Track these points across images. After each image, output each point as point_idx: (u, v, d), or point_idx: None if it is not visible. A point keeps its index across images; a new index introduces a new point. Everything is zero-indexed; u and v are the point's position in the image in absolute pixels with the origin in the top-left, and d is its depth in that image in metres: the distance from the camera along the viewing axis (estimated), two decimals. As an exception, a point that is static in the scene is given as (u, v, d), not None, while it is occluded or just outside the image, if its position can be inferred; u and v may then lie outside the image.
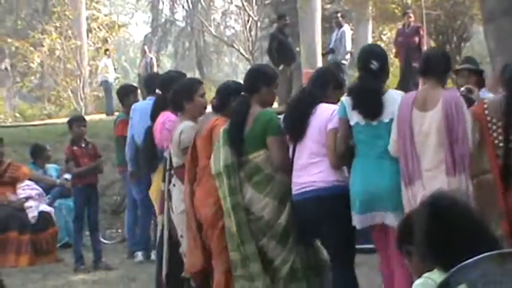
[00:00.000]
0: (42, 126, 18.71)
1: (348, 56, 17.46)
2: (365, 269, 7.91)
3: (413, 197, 5.61)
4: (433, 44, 22.11)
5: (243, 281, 5.94)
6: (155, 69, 23.84)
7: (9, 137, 14.11)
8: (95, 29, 29.87)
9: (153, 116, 7.19)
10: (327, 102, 5.98)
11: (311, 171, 5.80)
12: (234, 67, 53.17)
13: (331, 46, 17.39)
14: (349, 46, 17.39)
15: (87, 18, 29.14)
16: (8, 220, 10.35)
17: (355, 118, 5.86)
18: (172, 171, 6.61)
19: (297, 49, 19.13)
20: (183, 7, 41.48)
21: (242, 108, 5.99)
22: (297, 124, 5.88)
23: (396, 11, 21.80)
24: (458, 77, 8.00)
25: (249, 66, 33.51)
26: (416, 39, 16.62)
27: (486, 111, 5.86)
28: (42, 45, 26.97)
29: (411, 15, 17.24)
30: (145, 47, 27.79)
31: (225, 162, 5.92)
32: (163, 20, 43.83)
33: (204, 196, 6.17)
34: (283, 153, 5.91)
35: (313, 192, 5.77)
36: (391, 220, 5.74)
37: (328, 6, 26.30)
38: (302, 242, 5.95)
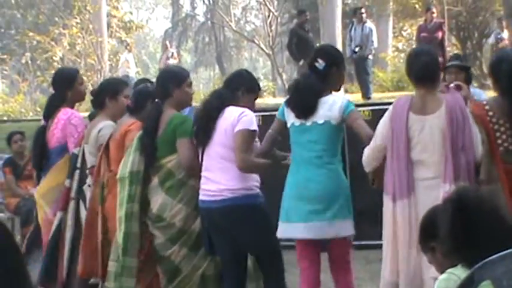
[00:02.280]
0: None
1: (373, 52, 17.45)
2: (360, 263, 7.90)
3: (402, 212, 5.22)
4: (454, 40, 22.06)
5: None
6: (176, 59, 23.92)
7: (30, 131, 14.17)
8: (113, 27, 29.94)
9: (49, 114, 6.84)
10: (238, 106, 5.67)
11: (218, 177, 5.51)
12: (254, 62, 53.23)
13: (357, 42, 17.27)
14: (376, 42, 17.37)
15: (107, 15, 29.22)
16: (29, 214, 10.37)
17: (290, 119, 5.72)
18: (87, 171, 6.45)
19: (317, 44, 19.10)
20: (203, 2, 41.57)
21: (154, 114, 5.80)
22: (203, 127, 5.61)
23: (417, 6, 21.73)
24: (446, 74, 7.97)
25: (269, 62, 33.61)
26: (439, 35, 16.58)
27: (490, 113, 5.36)
28: (63, 40, 27.06)
29: (434, 10, 17.19)
30: (167, 42, 27.84)
31: (131, 169, 5.78)
32: (183, 15, 43.95)
33: (114, 208, 5.95)
34: (191, 155, 5.66)
35: (219, 203, 5.48)
36: (337, 230, 5.59)
37: (349, 1, 26.29)
38: (209, 251, 5.70)
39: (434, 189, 5.16)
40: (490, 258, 3.15)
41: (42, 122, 6.92)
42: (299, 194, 5.62)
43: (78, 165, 6.51)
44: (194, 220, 5.68)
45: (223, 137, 5.52)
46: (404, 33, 28.61)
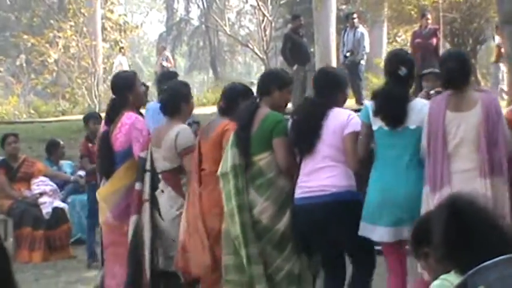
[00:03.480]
0: (56, 123, 18.80)
1: (365, 57, 17.47)
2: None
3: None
4: (448, 46, 22.06)
5: (235, 286, 5.87)
6: (172, 66, 23.88)
7: (24, 133, 14.17)
8: (107, 30, 29.94)
9: (110, 119, 6.84)
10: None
11: (322, 175, 5.69)
12: (248, 67, 53.23)
13: (349, 47, 17.32)
14: (367, 47, 17.39)
15: (101, 18, 29.21)
16: (22, 216, 10.38)
17: (377, 123, 5.76)
18: (159, 176, 6.49)
19: (311, 50, 19.11)
20: (198, 6, 41.58)
21: (249, 109, 5.93)
22: (312, 128, 5.75)
23: (412, 12, 21.73)
24: (424, 81, 8.03)
25: (263, 66, 33.57)
26: (434, 41, 16.59)
27: None
28: (57, 43, 27.02)
29: (429, 16, 17.20)
30: (163, 45, 27.83)
31: (232, 163, 5.84)
32: (177, 19, 43.93)
33: (211, 204, 6.08)
34: (289, 155, 5.82)
35: (322, 198, 5.65)
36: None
37: (343, 7, 26.28)
38: (301, 249, 5.82)
39: (470, 182, 5.49)
40: (484, 264, 3.15)
41: (104, 127, 6.93)
42: (386, 196, 5.66)
43: (148, 167, 6.55)
44: (280, 219, 5.77)
45: (331, 137, 5.71)
46: (398, 39, 28.57)
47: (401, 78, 5.81)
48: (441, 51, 16.16)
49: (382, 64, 26.08)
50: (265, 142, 5.82)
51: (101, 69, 27.44)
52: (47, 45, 27.18)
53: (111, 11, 31.71)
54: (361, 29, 17.62)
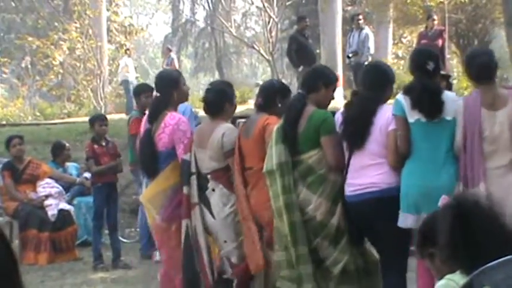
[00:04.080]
0: (62, 125, 18.80)
1: (370, 58, 17.45)
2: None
3: None
4: (453, 47, 22.08)
5: (288, 282, 5.94)
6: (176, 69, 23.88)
7: (29, 135, 14.19)
8: (112, 31, 29.98)
9: (153, 118, 6.84)
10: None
11: (370, 172, 5.80)
12: (253, 68, 53.25)
13: (353, 48, 17.33)
14: (372, 49, 17.38)
15: (107, 20, 29.23)
16: (28, 218, 10.41)
17: (415, 115, 5.86)
18: (208, 176, 6.48)
19: (317, 51, 19.11)
20: (203, 7, 41.56)
21: (297, 106, 6.00)
22: (362, 126, 5.85)
23: (418, 13, 21.74)
24: None
25: (268, 68, 33.59)
26: (440, 42, 16.58)
27: None
28: (62, 44, 27.05)
29: (435, 18, 17.21)
30: (169, 46, 27.80)
31: (278, 160, 5.89)
32: (183, 20, 43.94)
33: (265, 199, 6.07)
34: (338, 152, 5.91)
35: (373, 194, 5.77)
36: None
37: (349, 8, 26.29)
38: (356, 243, 5.95)
39: (505, 177, 5.76)
40: (489, 264, 3.15)
41: (147, 125, 6.90)
42: (427, 187, 5.74)
43: (193, 169, 6.54)
44: (333, 214, 5.85)
45: (378, 134, 5.80)
46: (404, 40, 28.62)
47: (430, 73, 5.96)
48: (446, 51, 16.17)
49: (387, 65, 25.97)
50: (313, 139, 5.90)
51: (107, 71, 27.44)
52: (52, 47, 27.19)
53: (116, 13, 31.73)
54: (366, 30, 17.60)
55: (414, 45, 19.49)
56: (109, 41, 29.47)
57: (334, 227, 5.84)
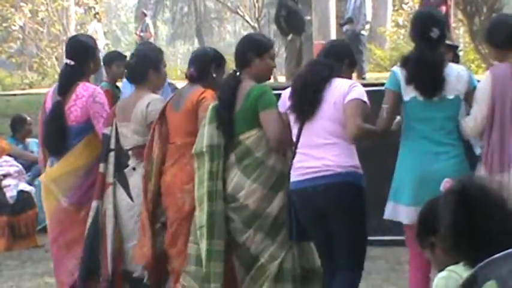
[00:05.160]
0: (23, 96, 18.75)
1: (367, 27, 17.43)
2: (381, 263, 7.96)
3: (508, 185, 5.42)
4: (460, 15, 22.06)
5: (191, 280, 5.83)
6: (152, 37, 23.83)
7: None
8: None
9: (64, 89, 6.61)
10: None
11: (323, 153, 5.50)
12: (237, 36, 53.07)
13: (348, 15, 17.33)
14: (369, 15, 17.36)
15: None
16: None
17: (410, 93, 5.69)
18: (129, 152, 6.39)
19: (308, 18, 19.06)
20: (182, -33, 41.41)
21: (231, 84, 5.85)
22: (307, 100, 5.57)
23: (420, -23, 21.70)
24: None
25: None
26: (443, 9, 16.56)
27: None
28: (23, 7, 26.89)
29: (439, -19, 17.19)
30: (144, 10, 27.67)
31: (210, 142, 5.78)
32: (160, -19, 43.79)
33: (185, 179, 5.99)
34: (280, 128, 5.68)
35: (326, 179, 5.47)
36: None
37: (345, -30, 26.23)
38: (297, 240, 5.73)
39: None
40: (495, 256, 3.15)
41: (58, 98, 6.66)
42: (423, 175, 5.61)
43: (112, 146, 6.44)
44: (270, 203, 5.71)
45: (331, 110, 5.52)
46: (405, 7, 28.60)
47: (434, 41, 5.74)
48: (452, 20, 16.17)
49: (386, 34, 26.10)
50: (251, 119, 5.75)
51: (74, 37, 27.26)
52: (12, 9, 27.05)
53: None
54: (365, -6, 17.58)
55: (416, 13, 19.45)
56: (76, 4, 29.37)
57: (272, 217, 5.68)
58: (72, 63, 6.64)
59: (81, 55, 6.65)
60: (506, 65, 5.75)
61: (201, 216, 5.75)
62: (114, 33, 48.26)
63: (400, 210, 5.71)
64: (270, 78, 6.16)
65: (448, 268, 3.33)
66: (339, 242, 5.60)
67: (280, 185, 5.73)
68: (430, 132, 5.69)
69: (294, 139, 5.65)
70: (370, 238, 5.86)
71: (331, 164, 5.47)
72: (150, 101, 6.34)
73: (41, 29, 27.08)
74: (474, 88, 5.76)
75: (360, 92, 5.52)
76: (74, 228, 6.51)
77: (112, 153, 6.44)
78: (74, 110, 6.52)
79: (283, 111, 5.72)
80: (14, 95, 19.73)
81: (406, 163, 5.75)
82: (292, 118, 5.65)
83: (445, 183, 4.09)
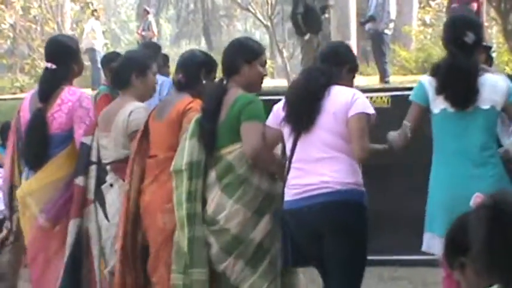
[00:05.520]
0: (13, 101, 18.78)
1: (391, 25, 17.43)
2: (404, 284, 7.97)
3: None
4: (492, 12, 22.06)
5: None
6: (155, 36, 23.92)
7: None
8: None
9: (46, 95, 6.56)
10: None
11: (321, 169, 5.40)
12: (248, 35, 53.27)
13: (370, 13, 17.35)
14: (393, 13, 17.36)
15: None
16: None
17: (440, 105, 5.63)
18: (107, 167, 6.31)
19: (326, 16, 19.09)
20: (188, -39, 41.56)
21: (216, 94, 5.76)
22: (304, 109, 5.48)
23: (449, -29, 21.73)
24: None
25: (266, 35, 33.56)
26: (474, 6, 16.59)
27: None
28: (14, 3, 26.99)
29: (470, -24, 17.22)
30: (147, 8, 27.75)
31: (189, 159, 5.67)
32: (163, -25, 43.96)
33: (166, 198, 5.87)
34: (259, 142, 5.56)
35: (323, 197, 5.36)
36: None
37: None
38: (295, 265, 5.65)
39: None
40: (533, 278, 3.16)
41: (38, 105, 6.59)
42: (454, 200, 5.49)
43: (94, 158, 6.35)
44: (253, 227, 5.59)
45: (331, 121, 5.43)
46: (432, 3, 28.63)
47: (468, 47, 5.68)
48: (484, 18, 16.16)
49: (412, 33, 26.20)
50: (234, 132, 5.63)
51: (69, 37, 27.39)
52: (2, 6, 27.15)
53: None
54: (389, -9, 17.62)
55: (444, 10, 19.47)
56: (72, 0, 29.42)
57: (255, 243, 5.58)
58: (54, 66, 6.60)
59: (63, 58, 6.61)
60: None
61: (183, 242, 5.65)
62: (113, 32, 48.35)
63: (436, 242, 5.59)
64: (260, 88, 6.00)
65: (482, 291, 3.33)
66: (333, 265, 5.50)
67: (266, 206, 5.62)
68: (462, 149, 5.62)
69: (289, 153, 5.54)
70: (393, 258, 5.87)
71: (330, 180, 5.38)
72: (133, 109, 6.24)
73: (33, 27, 27.17)
74: None
75: (363, 104, 5.46)
76: (51, 246, 6.44)
77: (93, 167, 6.35)
78: (59, 117, 6.47)
79: (275, 126, 5.61)
80: (4, 99, 19.80)
81: (438, 188, 5.68)
82: (287, 130, 5.55)
83: (476, 198, 4.11)
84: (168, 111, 6.04)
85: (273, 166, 5.67)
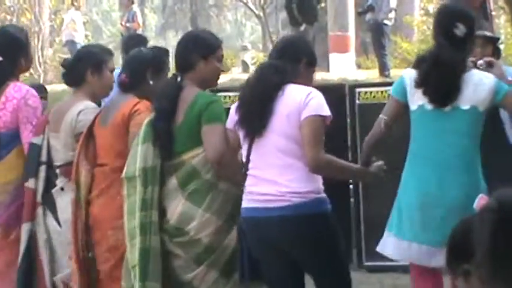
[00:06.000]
0: None
1: (391, 15, 17.46)
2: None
3: None
4: (501, 1, 22.11)
5: None
6: (140, 27, 23.89)
7: None
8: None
9: None
10: (297, 83, 5.49)
11: (276, 176, 5.34)
12: (239, 26, 53.29)
13: (369, 2, 17.40)
14: (393, 2, 17.40)
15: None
16: None
17: (418, 100, 5.60)
18: (57, 170, 6.26)
19: (322, 5, 19.13)
20: None
21: (170, 92, 5.68)
22: (256, 112, 5.41)
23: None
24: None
25: (259, 26, 33.58)
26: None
27: None
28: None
29: (475, -38, 17.27)
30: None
31: (144, 164, 5.58)
32: (148, -38, 43.98)
33: (115, 214, 5.81)
34: (222, 146, 5.50)
35: (281, 210, 5.31)
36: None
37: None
38: (251, 277, 5.72)
39: None
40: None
41: None
42: (431, 203, 5.53)
43: (44, 158, 6.28)
44: (226, 234, 5.57)
45: (284, 124, 5.35)
46: (435, -7, 28.67)
47: (458, 40, 5.65)
48: (491, 6, 16.16)
49: (414, 23, 26.30)
50: (194, 134, 5.57)
51: (47, 28, 27.42)
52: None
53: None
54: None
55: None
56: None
57: (229, 251, 5.57)
58: (0, 59, 6.55)
59: (10, 50, 6.56)
60: None
61: (133, 254, 5.55)
62: (95, 23, 48.34)
63: (389, 241, 5.69)
64: (216, 84, 6.00)
65: (487, 300, 3.34)
66: (311, 273, 5.57)
67: (237, 211, 5.55)
68: (437, 151, 5.59)
69: (244, 159, 5.50)
70: (394, 264, 5.86)
71: (286, 190, 5.31)
72: (83, 109, 6.19)
73: (8, 17, 27.14)
74: (507, 93, 5.62)
75: (317, 105, 5.35)
76: (3, 255, 6.41)
77: (43, 167, 6.29)
78: (3, 115, 6.44)
79: (231, 128, 5.56)
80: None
81: (407, 188, 5.67)
82: (241, 134, 5.50)
83: (480, 200, 4.10)
84: (112, 115, 5.98)
85: (237, 174, 5.54)
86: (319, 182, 5.39)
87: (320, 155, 5.29)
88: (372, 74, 17.49)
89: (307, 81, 5.58)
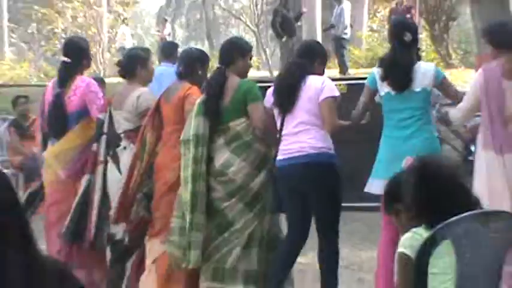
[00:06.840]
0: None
1: (347, 30, 17.41)
2: (359, 225, 7.95)
3: (506, 166, 5.51)
4: (423, 22, 22.05)
5: (174, 248, 5.66)
6: (165, 37, 23.78)
7: (34, 95, 14.07)
8: (112, 2, 29.76)
9: (64, 82, 6.53)
10: (313, 75, 5.66)
11: (299, 138, 5.51)
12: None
13: (331, 22, 17.40)
14: (348, 21, 17.36)
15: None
16: (32, 171, 10.32)
17: (385, 88, 5.64)
18: (121, 135, 6.22)
19: (298, 23, 19.04)
20: (195, -18, 41.27)
21: (219, 79, 5.70)
22: (286, 95, 5.58)
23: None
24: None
25: (254, 38, 33.45)
26: (408, 17, 16.60)
27: None
28: (66, 13, 26.83)
29: (405, -6, 17.24)
30: (166, 17, 27.58)
31: (196, 131, 5.61)
32: (177, -8, 43.66)
33: (169, 160, 5.84)
34: (265, 117, 5.60)
35: (301, 159, 5.48)
36: None
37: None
38: (276, 210, 5.65)
39: None
40: (451, 219, 3.18)
41: (58, 90, 6.52)
42: (397, 150, 5.51)
43: (105, 130, 6.27)
44: (253, 179, 5.58)
45: (307, 104, 5.52)
46: (378, 15, 28.56)
47: (406, 44, 5.66)
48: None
49: (363, 37, 26.01)
50: (240, 109, 5.61)
51: (106, 38, 27.28)
52: (56, 15, 26.98)
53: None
54: (345, 4, 17.60)
55: (387, 20, 19.44)
56: (109, 11, 29.26)
57: (253, 191, 5.57)
58: (68, 60, 6.56)
59: (76, 54, 6.57)
60: (494, 65, 5.66)
61: (185, 194, 5.59)
62: (138, 35, 48.06)
63: (374, 183, 5.59)
64: (246, 76, 5.91)
65: (412, 230, 3.34)
66: (318, 214, 5.56)
67: (263, 165, 5.62)
68: (401, 120, 5.61)
69: (279, 128, 5.63)
70: (352, 205, 5.81)
71: (306, 146, 5.48)
72: (140, 94, 6.17)
73: (79, 31, 26.99)
74: (443, 79, 5.71)
75: (330, 89, 5.54)
76: (68, 200, 6.31)
77: (104, 136, 6.27)
78: (74, 99, 6.42)
79: (268, 106, 5.67)
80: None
81: (383, 147, 5.68)
82: (275, 111, 5.65)
83: (407, 161, 4.09)
84: (172, 96, 5.96)
85: (274, 138, 5.64)
86: (330, 141, 5.54)
87: (335, 122, 5.52)
88: (333, 72, 17.37)
89: (320, 74, 5.74)
